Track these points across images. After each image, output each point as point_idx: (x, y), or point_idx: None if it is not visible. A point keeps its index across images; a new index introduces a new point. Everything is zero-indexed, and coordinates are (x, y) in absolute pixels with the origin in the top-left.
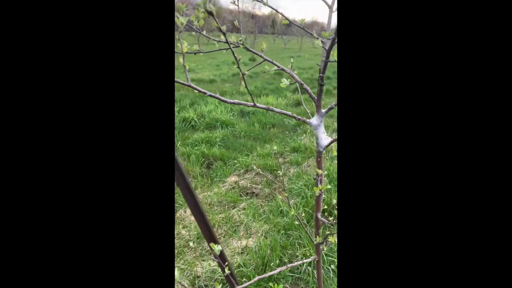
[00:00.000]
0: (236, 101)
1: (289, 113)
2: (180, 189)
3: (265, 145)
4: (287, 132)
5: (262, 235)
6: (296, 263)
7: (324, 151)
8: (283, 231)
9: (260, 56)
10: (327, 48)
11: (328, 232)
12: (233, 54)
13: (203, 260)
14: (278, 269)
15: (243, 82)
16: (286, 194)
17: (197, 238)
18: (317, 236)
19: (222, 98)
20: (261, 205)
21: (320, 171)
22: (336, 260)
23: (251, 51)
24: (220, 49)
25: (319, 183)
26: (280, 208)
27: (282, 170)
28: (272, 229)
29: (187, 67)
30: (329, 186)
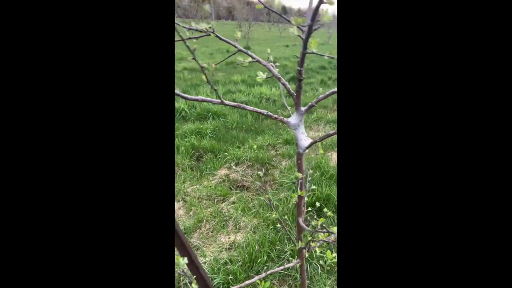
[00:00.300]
0: (199, 97)
1: (264, 111)
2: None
3: (257, 137)
4: (280, 124)
5: (251, 230)
6: (277, 269)
7: (305, 152)
8: (272, 226)
9: (234, 45)
10: (304, 37)
11: (310, 238)
12: (187, 46)
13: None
14: (257, 277)
15: (204, 77)
16: (267, 196)
17: (185, 233)
18: (299, 241)
19: (183, 95)
20: (251, 198)
21: (300, 175)
22: (325, 256)
23: (223, 39)
24: (190, 38)
25: (299, 188)
26: (271, 202)
27: (262, 171)
28: (261, 224)
29: (180, 55)
30: (314, 187)
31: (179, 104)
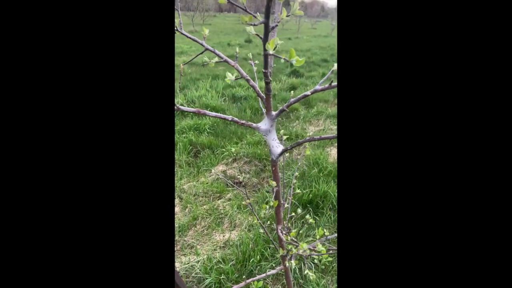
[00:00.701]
0: None
1: (229, 117)
2: None
3: (255, 132)
4: (280, 119)
5: (246, 227)
6: (259, 277)
7: (278, 159)
8: (267, 223)
9: (201, 44)
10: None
11: (290, 247)
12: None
13: (183, 255)
14: (242, 284)
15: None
16: (248, 201)
17: (179, 231)
18: (281, 249)
19: None
20: (247, 196)
21: (274, 183)
22: (319, 256)
23: (188, 36)
24: None
25: (274, 197)
26: (266, 200)
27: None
28: (256, 222)
29: (180, 49)
30: (298, 191)
31: (177, 99)
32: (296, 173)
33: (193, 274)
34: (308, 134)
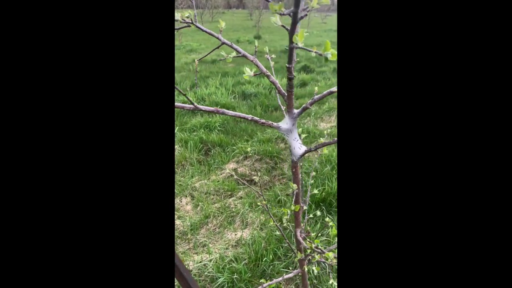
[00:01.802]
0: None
1: (249, 116)
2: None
3: (266, 129)
4: None
5: (258, 226)
6: (276, 280)
7: (300, 159)
8: (279, 222)
9: (217, 37)
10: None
11: (309, 251)
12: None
13: (196, 253)
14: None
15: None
16: (264, 202)
17: (191, 230)
18: (299, 252)
19: None
20: (262, 196)
21: (295, 186)
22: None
23: (204, 30)
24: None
25: (294, 200)
26: (278, 198)
27: (259, 176)
28: (268, 220)
29: (190, 47)
30: (316, 191)
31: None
32: (313, 173)
33: (205, 273)
34: (320, 130)
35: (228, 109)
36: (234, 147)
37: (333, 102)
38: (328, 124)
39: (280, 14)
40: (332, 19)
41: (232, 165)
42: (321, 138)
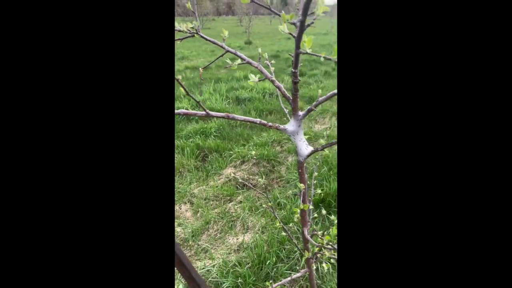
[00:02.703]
0: (182, 111)
1: (257, 120)
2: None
3: (261, 133)
4: (285, 119)
5: (259, 230)
6: (284, 281)
7: (305, 160)
8: (280, 225)
9: (221, 46)
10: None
11: (317, 249)
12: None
13: (198, 259)
14: None
15: (182, 89)
16: (270, 204)
17: (192, 236)
18: (306, 251)
19: None
20: (258, 197)
21: (302, 186)
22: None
23: (208, 39)
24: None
25: (301, 200)
26: (278, 200)
27: (262, 179)
28: (269, 223)
29: (181, 54)
30: (319, 190)
31: (182, 104)
32: (315, 173)
33: (209, 279)
34: (315, 132)
35: None
36: (231, 152)
37: (327, 104)
38: (323, 126)
39: (291, 23)
40: (320, 22)
41: (230, 170)
42: (321, 139)
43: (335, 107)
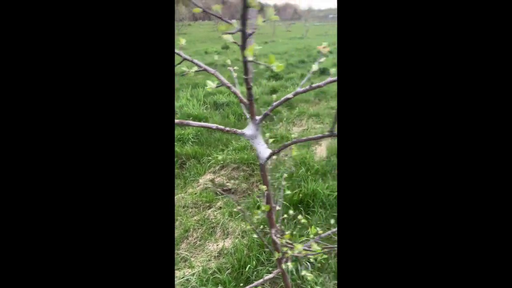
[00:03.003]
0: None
1: (213, 125)
2: None
3: (240, 138)
4: (264, 122)
5: (239, 234)
6: (256, 283)
7: (266, 162)
8: (260, 228)
9: (178, 54)
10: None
11: (285, 249)
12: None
13: (177, 269)
14: None
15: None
16: (240, 207)
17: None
18: (276, 252)
19: None
20: (237, 202)
21: (265, 187)
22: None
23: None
24: None
25: (265, 200)
26: (257, 204)
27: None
28: (249, 227)
29: None
30: (288, 192)
31: None
32: (285, 175)
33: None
34: (292, 135)
35: (200, 120)
36: (210, 158)
37: (303, 106)
38: (300, 128)
39: (230, 33)
40: (295, 27)
41: (208, 176)
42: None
43: (311, 109)
